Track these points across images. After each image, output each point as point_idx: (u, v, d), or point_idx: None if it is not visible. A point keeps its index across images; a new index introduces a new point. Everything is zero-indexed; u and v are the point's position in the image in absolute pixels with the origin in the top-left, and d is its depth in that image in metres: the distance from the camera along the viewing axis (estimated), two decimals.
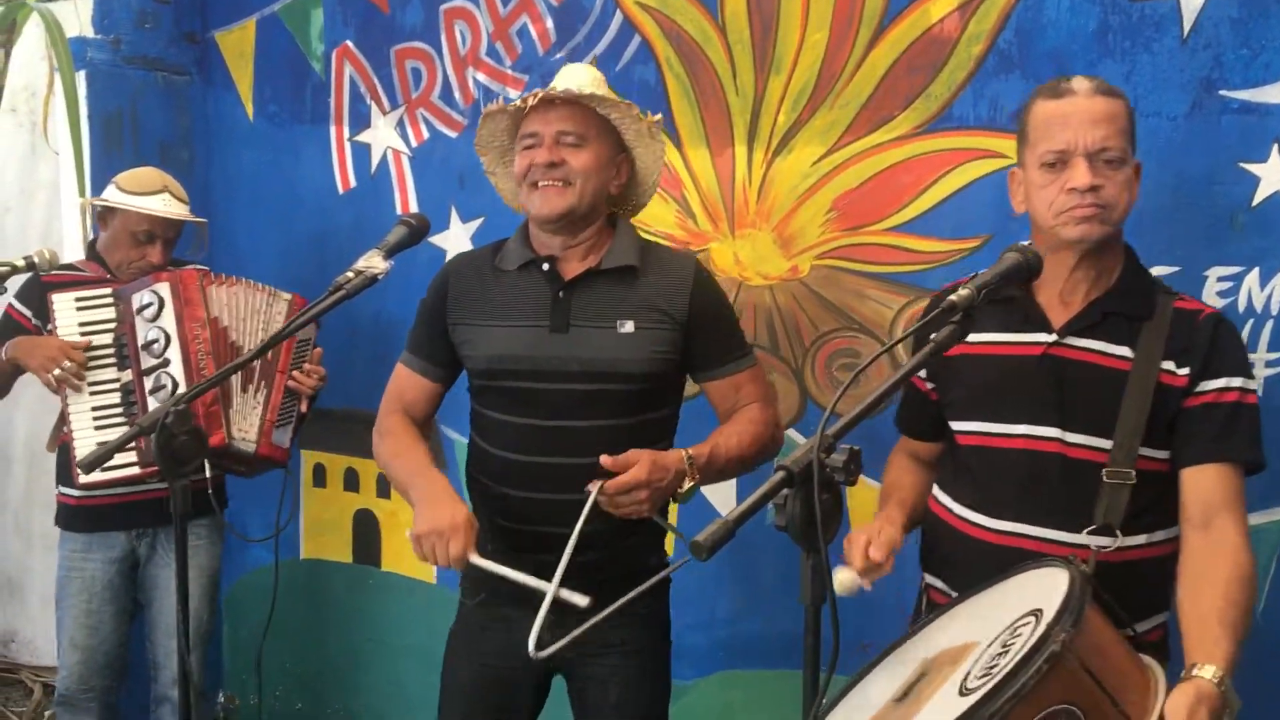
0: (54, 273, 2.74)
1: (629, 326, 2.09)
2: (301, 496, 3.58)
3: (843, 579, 1.73)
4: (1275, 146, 2.19)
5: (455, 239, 3.15)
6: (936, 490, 1.98)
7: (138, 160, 3.37)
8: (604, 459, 1.96)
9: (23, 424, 4.12)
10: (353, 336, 3.33)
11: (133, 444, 2.65)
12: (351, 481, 3.49)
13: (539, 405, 2.08)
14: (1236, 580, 1.64)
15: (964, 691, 1.49)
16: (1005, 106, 2.44)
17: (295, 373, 2.81)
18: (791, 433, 2.77)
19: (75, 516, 2.88)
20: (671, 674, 2.34)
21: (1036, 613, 1.54)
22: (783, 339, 2.74)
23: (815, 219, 2.67)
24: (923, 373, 1.98)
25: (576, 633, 1.83)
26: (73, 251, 3.32)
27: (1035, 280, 1.79)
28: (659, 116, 2.17)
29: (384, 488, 3.44)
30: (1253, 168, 2.21)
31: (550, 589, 1.87)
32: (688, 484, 2.03)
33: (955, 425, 1.92)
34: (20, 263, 2.59)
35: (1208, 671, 1.53)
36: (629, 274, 2.13)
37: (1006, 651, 1.51)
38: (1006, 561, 1.77)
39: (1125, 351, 1.77)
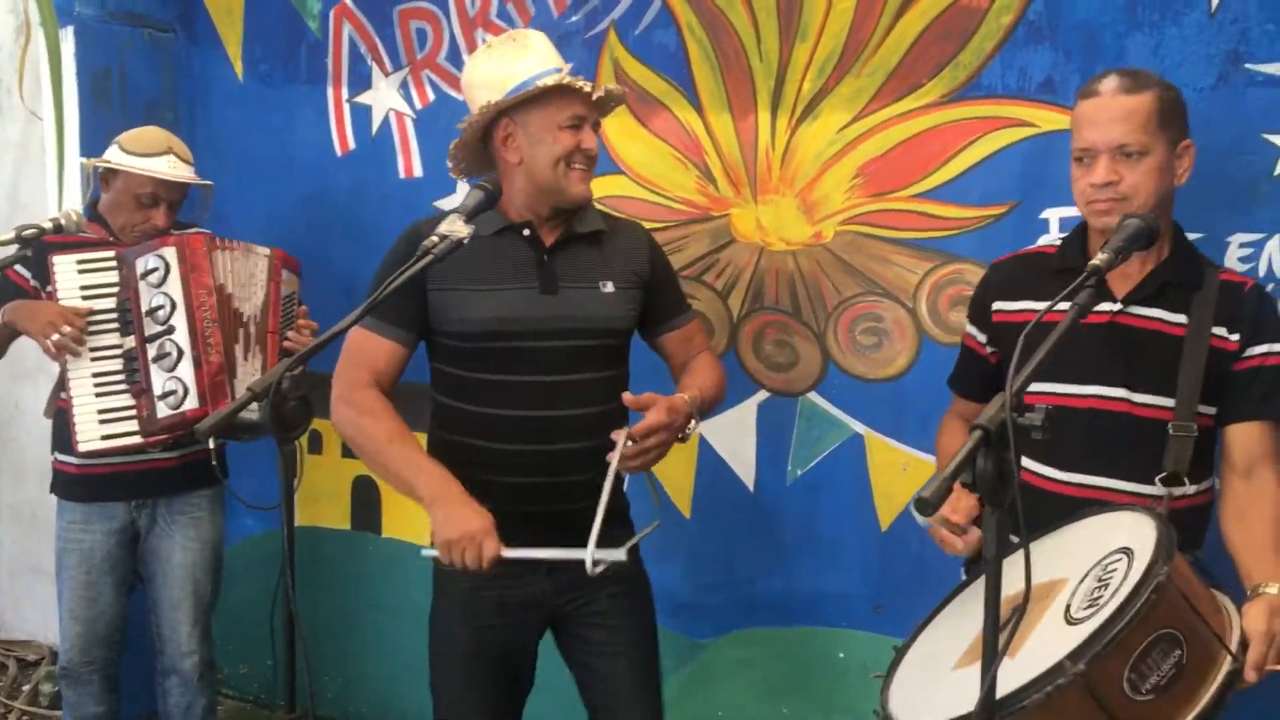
0: (55, 235, 2.66)
1: (610, 286, 2.27)
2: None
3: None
4: None
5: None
6: None
7: (125, 119, 3.29)
8: (626, 396, 2.15)
9: None
10: (349, 298, 3.28)
11: (134, 412, 2.61)
12: (349, 448, 3.45)
13: (536, 362, 2.20)
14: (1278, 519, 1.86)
15: (1071, 621, 1.60)
16: (1034, 76, 2.49)
17: (290, 333, 2.79)
18: (813, 395, 2.82)
19: (74, 485, 2.82)
20: (687, 631, 2.43)
21: (1127, 551, 1.65)
22: (805, 304, 2.78)
23: (840, 185, 2.71)
24: (981, 336, 2.16)
25: (614, 554, 1.99)
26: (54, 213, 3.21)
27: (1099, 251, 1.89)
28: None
29: None
30: (1276, 139, 2.30)
31: (604, 554, 1.99)
32: (692, 425, 2.22)
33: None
34: (48, 224, 2.52)
35: (1273, 589, 1.71)
36: (598, 238, 2.30)
37: (1105, 585, 1.61)
38: (1072, 507, 1.93)
39: (1181, 319, 1.95)
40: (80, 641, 2.84)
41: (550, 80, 2.15)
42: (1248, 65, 2.31)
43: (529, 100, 2.16)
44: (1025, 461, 2.04)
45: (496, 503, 2.12)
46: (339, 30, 3.28)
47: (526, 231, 2.23)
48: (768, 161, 2.78)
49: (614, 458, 2.08)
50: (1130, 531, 1.70)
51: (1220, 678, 1.57)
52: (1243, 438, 1.93)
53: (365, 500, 3.47)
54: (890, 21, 2.60)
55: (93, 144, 3.19)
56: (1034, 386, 1.99)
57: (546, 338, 2.20)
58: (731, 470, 2.93)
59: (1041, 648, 1.57)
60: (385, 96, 3.24)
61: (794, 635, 2.93)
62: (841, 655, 2.88)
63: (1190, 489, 1.92)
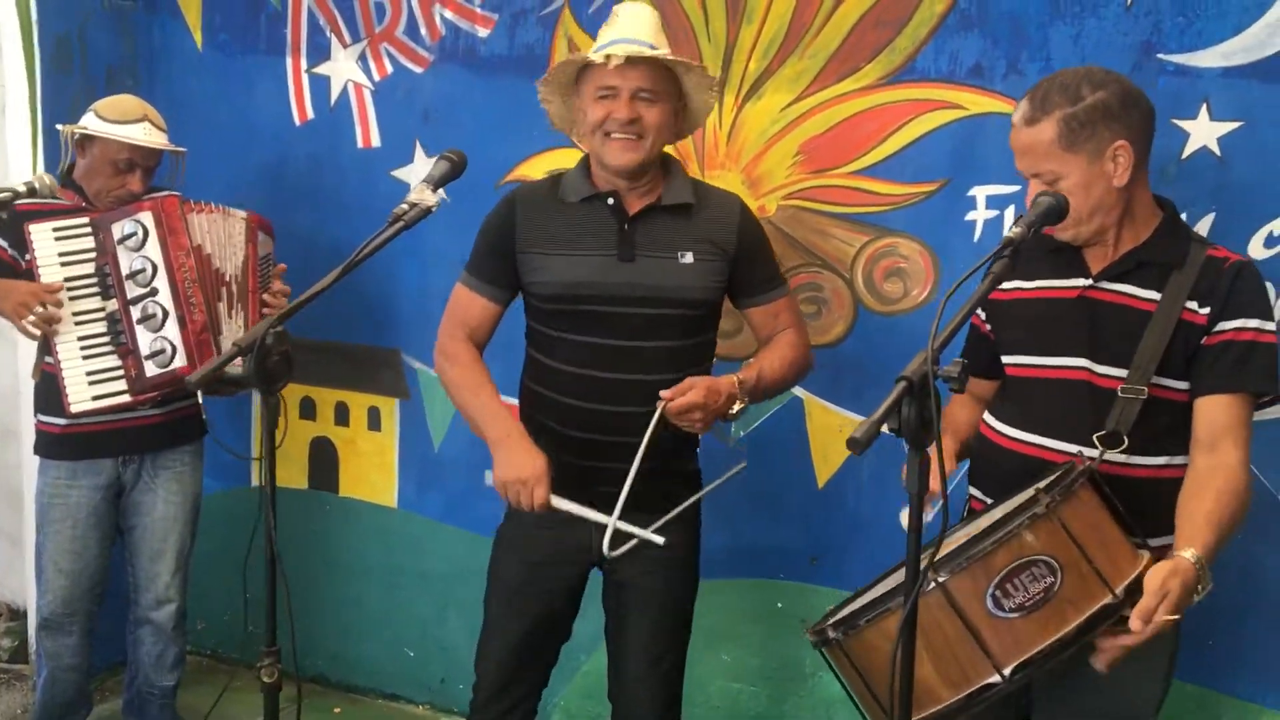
0: (29, 202, 2.73)
1: (689, 257, 2.32)
2: (253, 425, 3.64)
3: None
4: (1203, 106, 2.47)
5: (420, 173, 3.21)
6: (986, 415, 2.22)
7: (86, 86, 3.35)
8: (663, 393, 2.21)
9: None
10: (307, 265, 3.37)
11: (122, 372, 2.71)
12: (308, 410, 3.56)
13: (610, 327, 2.30)
14: (1229, 493, 1.87)
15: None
16: (964, 61, 2.66)
17: (265, 296, 2.90)
18: None
19: (60, 444, 2.90)
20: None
21: (1037, 490, 1.80)
22: None
23: (783, 162, 2.86)
24: (983, 315, 2.24)
25: (645, 534, 2.17)
26: (19, 176, 3.27)
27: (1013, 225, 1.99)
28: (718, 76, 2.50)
29: (342, 416, 3.52)
30: (1183, 124, 2.48)
31: (629, 528, 2.18)
32: (738, 406, 2.29)
33: (1005, 359, 2.16)
34: (21, 188, 2.59)
35: (1187, 552, 1.79)
36: (685, 210, 2.36)
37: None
38: (1031, 467, 2.03)
39: (1153, 295, 1.98)
40: (64, 593, 2.93)
41: (580, 57, 2.28)
42: (1159, 55, 2.50)
43: (580, 75, 2.30)
44: (997, 425, 2.14)
45: (562, 453, 2.30)
46: (298, 1, 3.35)
47: (611, 200, 2.32)
48: (715, 138, 2.92)
49: (650, 428, 2.20)
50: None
51: (1092, 610, 1.70)
52: (1208, 411, 1.94)
53: (322, 460, 3.58)
54: (831, 7, 2.75)
55: (51, 109, 3.26)
56: (1012, 359, 2.14)
57: (620, 304, 2.29)
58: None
59: None
60: (344, 68, 3.33)
61: (735, 586, 3.10)
62: (779, 605, 3.06)
63: (1142, 459, 1.96)
